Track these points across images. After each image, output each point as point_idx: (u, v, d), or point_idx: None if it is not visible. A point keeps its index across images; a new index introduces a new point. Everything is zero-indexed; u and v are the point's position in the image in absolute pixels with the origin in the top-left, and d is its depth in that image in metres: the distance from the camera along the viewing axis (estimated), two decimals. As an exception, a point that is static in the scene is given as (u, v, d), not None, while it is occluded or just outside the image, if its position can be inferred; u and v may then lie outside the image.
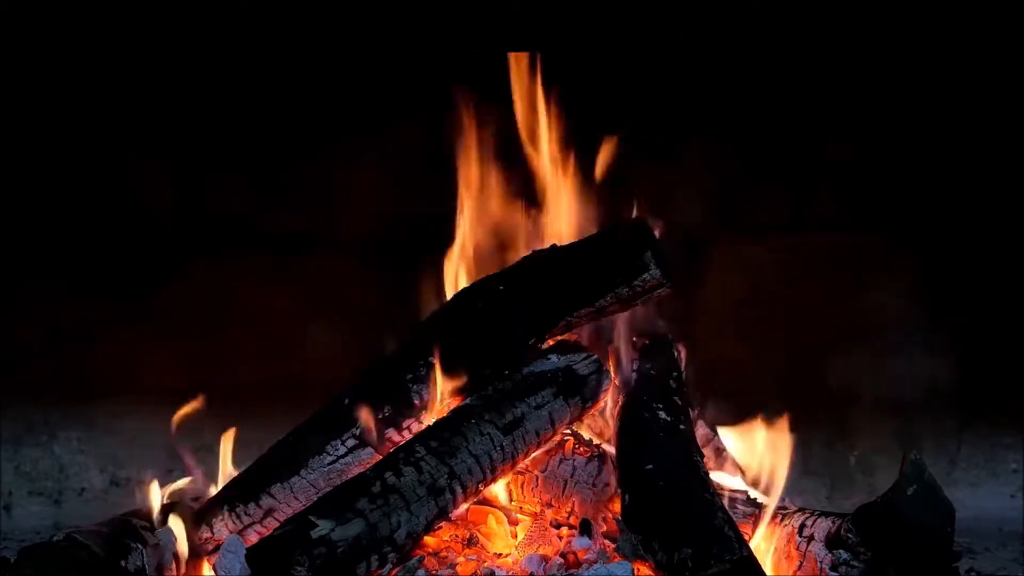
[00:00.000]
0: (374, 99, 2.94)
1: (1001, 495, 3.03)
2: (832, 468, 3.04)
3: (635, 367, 2.31)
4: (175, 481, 2.33)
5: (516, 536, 2.15)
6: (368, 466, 2.07)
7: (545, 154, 2.44)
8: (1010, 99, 2.89)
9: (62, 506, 2.99)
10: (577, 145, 2.44)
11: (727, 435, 2.36)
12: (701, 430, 2.37)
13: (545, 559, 2.06)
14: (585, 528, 2.13)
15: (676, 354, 2.39)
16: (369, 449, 2.15)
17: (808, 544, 2.04)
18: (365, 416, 2.13)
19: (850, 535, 1.96)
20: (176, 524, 2.14)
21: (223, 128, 2.93)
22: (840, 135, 2.96)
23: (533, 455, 2.18)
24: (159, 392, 2.96)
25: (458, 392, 2.18)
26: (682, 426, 2.15)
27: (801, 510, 2.16)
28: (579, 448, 2.23)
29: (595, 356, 2.22)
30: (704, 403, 2.41)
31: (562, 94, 2.46)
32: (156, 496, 2.22)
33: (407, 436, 2.15)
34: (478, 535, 2.13)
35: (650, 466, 2.03)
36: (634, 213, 2.33)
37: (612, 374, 2.26)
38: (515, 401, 2.11)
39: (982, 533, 2.79)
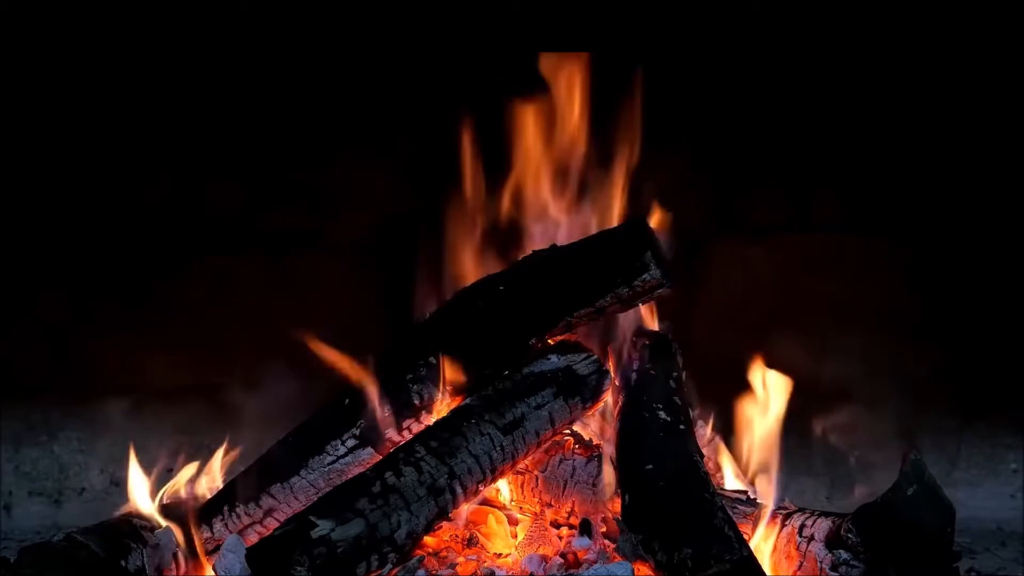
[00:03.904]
0: (373, 99, 2.93)
1: (1001, 495, 3.03)
2: (832, 468, 3.04)
3: (635, 367, 2.31)
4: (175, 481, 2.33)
5: (516, 536, 2.15)
6: (368, 466, 2.07)
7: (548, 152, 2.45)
8: (1010, 98, 2.89)
9: (62, 506, 2.99)
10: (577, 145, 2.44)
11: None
12: (701, 430, 2.37)
13: (545, 559, 2.06)
14: (585, 528, 2.13)
15: (676, 354, 2.39)
16: (369, 449, 2.15)
17: (808, 544, 2.04)
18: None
19: (850, 535, 1.96)
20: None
21: (223, 128, 2.93)
22: (839, 135, 2.96)
23: (533, 455, 2.18)
24: (159, 392, 2.98)
25: (458, 392, 2.18)
26: (682, 426, 2.15)
27: (801, 510, 2.16)
28: (579, 448, 2.23)
29: (595, 356, 2.22)
30: (703, 404, 2.41)
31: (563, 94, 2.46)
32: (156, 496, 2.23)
33: (407, 436, 2.15)
34: (478, 535, 2.13)
35: (650, 466, 2.04)
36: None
37: (612, 374, 2.27)
38: (515, 401, 2.11)
39: (982, 533, 2.80)
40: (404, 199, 2.92)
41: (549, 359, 2.19)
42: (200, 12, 2.80)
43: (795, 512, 2.15)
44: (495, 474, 2.08)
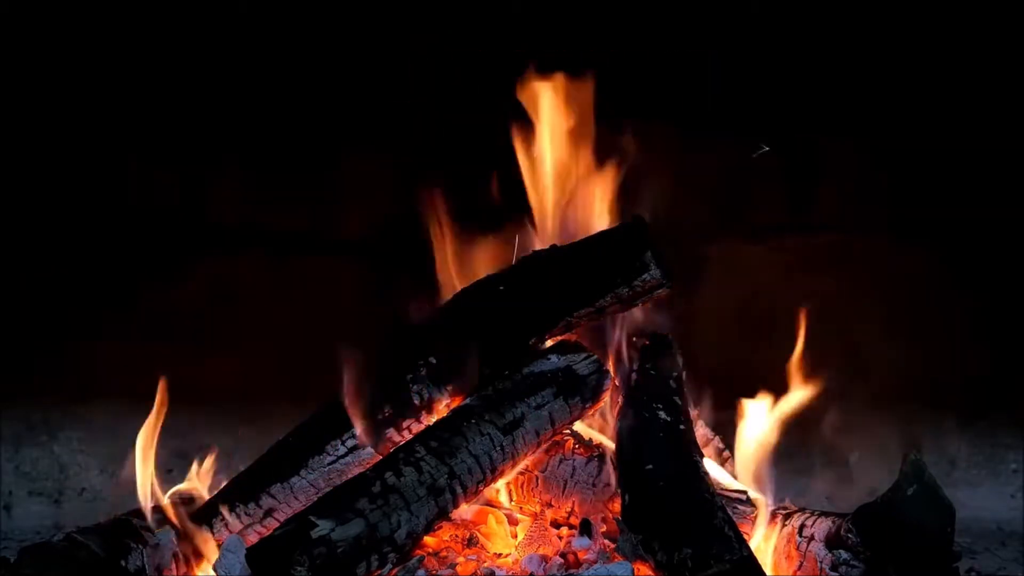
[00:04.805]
0: (373, 100, 2.94)
1: (1001, 495, 3.03)
2: (832, 468, 3.04)
3: (635, 367, 2.31)
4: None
5: (516, 536, 2.15)
6: (368, 466, 2.07)
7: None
8: (1010, 97, 2.89)
9: (62, 506, 2.99)
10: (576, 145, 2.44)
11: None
12: (701, 430, 2.37)
13: (545, 559, 2.06)
14: (585, 528, 2.13)
15: (676, 354, 2.39)
16: (369, 449, 2.15)
17: (808, 544, 2.04)
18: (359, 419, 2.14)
19: (850, 535, 1.96)
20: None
21: (224, 130, 2.93)
22: (839, 134, 2.96)
23: (533, 455, 2.18)
24: (159, 392, 2.98)
25: (458, 392, 2.18)
26: (682, 426, 2.15)
27: (801, 510, 2.16)
28: (579, 448, 2.23)
29: (595, 356, 2.22)
30: (703, 403, 2.41)
31: (561, 93, 2.46)
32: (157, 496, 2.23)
33: (407, 436, 2.15)
34: (478, 535, 2.13)
35: (650, 466, 2.04)
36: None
37: (612, 374, 2.27)
38: (515, 401, 2.11)
39: (982, 533, 2.80)
40: (404, 199, 2.92)
41: (549, 359, 2.19)
42: (201, 13, 2.80)
43: (795, 512, 2.15)
44: (495, 474, 2.08)
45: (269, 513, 2.15)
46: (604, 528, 2.14)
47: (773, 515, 2.16)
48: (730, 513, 1.98)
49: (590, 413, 2.24)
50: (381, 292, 2.94)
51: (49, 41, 2.83)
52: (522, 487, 2.22)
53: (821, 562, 2.00)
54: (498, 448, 2.06)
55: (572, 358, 2.19)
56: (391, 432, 2.16)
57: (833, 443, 3.02)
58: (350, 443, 2.16)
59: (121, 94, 2.90)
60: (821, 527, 2.05)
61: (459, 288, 2.33)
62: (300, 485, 2.15)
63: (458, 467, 2.01)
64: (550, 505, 2.20)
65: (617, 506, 2.10)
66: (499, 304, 2.21)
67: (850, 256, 3.03)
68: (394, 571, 1.94)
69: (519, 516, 2.21)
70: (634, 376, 2.29)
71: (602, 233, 2.29)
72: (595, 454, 2.21)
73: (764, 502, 2.17)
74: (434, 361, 2.18)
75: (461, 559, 2.06)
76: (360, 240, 3.00)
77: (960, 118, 2.91)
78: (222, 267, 2.99)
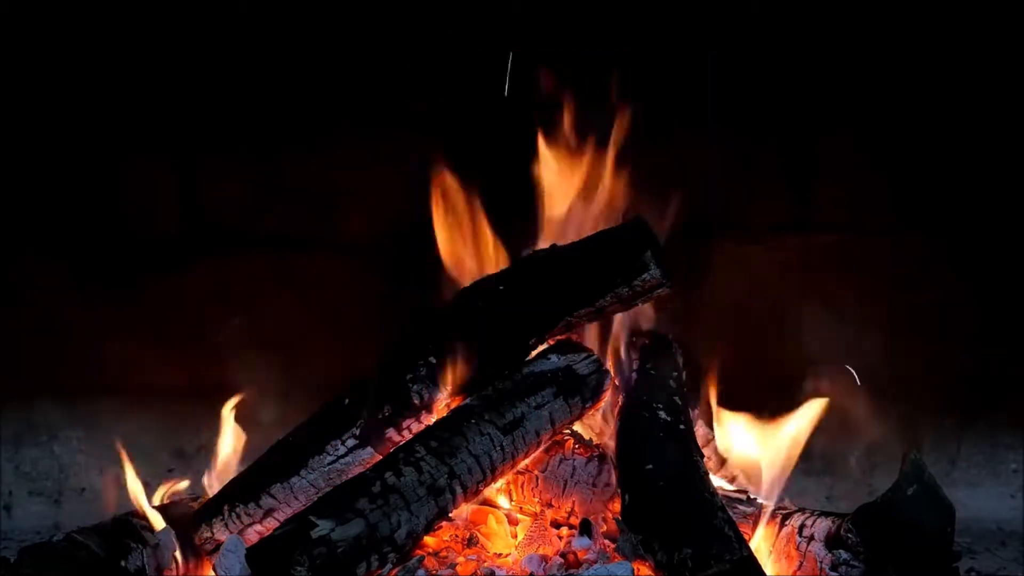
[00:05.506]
0: (374, 100, 2.93)
1: (1001, 495, 3.03)
2: (832, 468, 3.04)
3: (635, 367, 2.31)
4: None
5: (516, 536, 2.15)
6: (368, 466, 2.07)
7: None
8: (1012, 97, 2.89)
9: (62, 506, 2.99)
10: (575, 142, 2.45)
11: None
12: (701, 430, 2.37)
13: (545, 559, 2.06)
14: (585, 528, 2.13)
15: (676, 354, 2.39)
16: (369, 449, 2.15)
17: (808, 544, 2.04)
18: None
19: (850, 535, 1.96)
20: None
21: (223, 130, 2.93)
22: (840, 134, 2.96)
23: (533, 455, 2.18)
24: (159, 392, 2.98)
25: (458, 392, 2.18)
26: (682, 426, 2.15)
27: (801, 510, 2.16)
28: (579, 448, 2.23)
29: (595, 356, 2.22)
30: (703, 404, 2.41)
31: (561, 92, 2.47)
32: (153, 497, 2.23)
33: (407, 436, 2.15)
34: (478, 535, 2.13)
35: (650, 466, 2.04)
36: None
37: (612, 374, 2.27)
38: (515, 401, 2.11)
39: (982, 533, 2.80)
40: (406, 200, 2.92)
41: (549, 359, 2.19)
42: (201, 13, 2.80)
43: (795, 512, 2.15)
44: (495, 474, 2.08)
45: (269, 513, 2.15)
46: (604, 528, 2.14)
47: (773, 515, 2.16)
48: (730, 513, 1.98)
49: (590, 413, 2.24)
50: (382, 293, 2.94)
51: (49, 41, 2.83)
52: (522, 487, 2.22)
53: (821, 562, 2.00)
54: (498, 448, 2.06)
55: (572, 358, 2.19)
56: (391, 432, 2.16)
57: (833, 443, 3.02)
58: (350, 443, 2.15)
59: (120, 93, 2.90)
60: (821, 527, 2.05)
61: (460, 287, 2.33)
62: (300, 485, 2.15)
63: (458, 467, 2.02)
64: (550, 505, 2.21)
65: (617, 506, 2.10)
66: (499, 304, 2.21)
67: (850, 256, 3.02)
68: (394, 571, 1.94)
69: (519, 516, 2.21)
70: (634, 376, 2.29)
71: (602, 232, 2.28)
72: (595, 454, 2.21)
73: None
74: (434, 361, 2.18)
75: (461, 559, 2.06)
76: (361, 241, 3.00)
77: (961, 119, 2.91)
78: (223, 267, 2.99)
